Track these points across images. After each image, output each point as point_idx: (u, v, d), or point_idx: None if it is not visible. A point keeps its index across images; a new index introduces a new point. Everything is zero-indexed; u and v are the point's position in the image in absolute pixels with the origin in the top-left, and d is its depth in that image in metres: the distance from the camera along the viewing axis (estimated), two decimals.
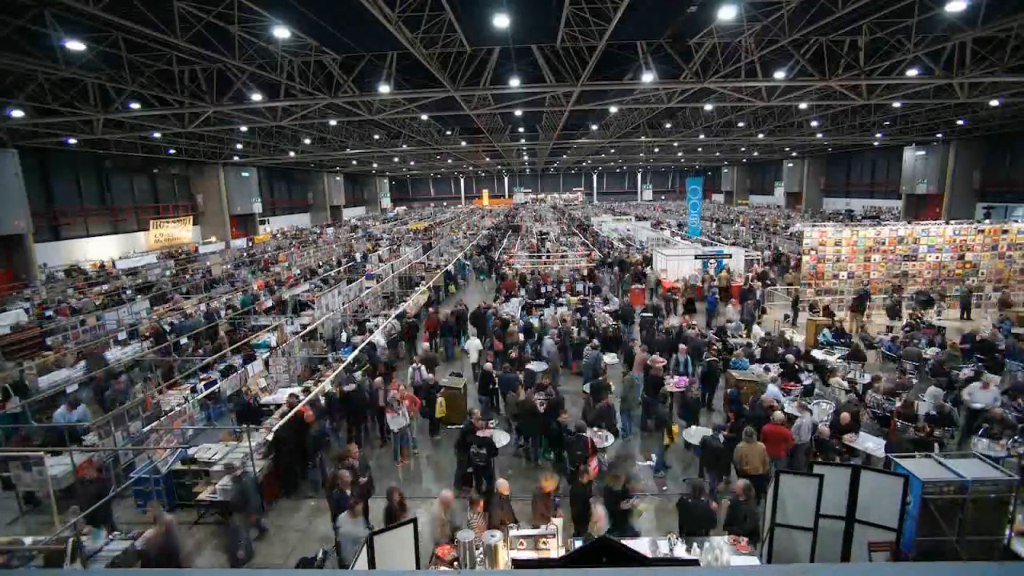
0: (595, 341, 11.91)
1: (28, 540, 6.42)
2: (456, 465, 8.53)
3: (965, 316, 16.51)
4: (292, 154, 35.64)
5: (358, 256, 30.00)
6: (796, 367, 10.85)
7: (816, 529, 5.92)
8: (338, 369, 11.09)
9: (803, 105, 23.80)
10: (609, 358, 11.93)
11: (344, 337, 14.35)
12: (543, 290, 18.67)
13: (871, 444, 8.22)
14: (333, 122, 24.58)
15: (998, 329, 13.05)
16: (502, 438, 8.89)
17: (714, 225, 41.93)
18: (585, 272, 21.30)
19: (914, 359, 11.69)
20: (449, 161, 51.63)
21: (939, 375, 10.71)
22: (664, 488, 8.39)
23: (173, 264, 30.04)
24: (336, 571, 6.44)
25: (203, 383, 11.47)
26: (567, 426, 8.59)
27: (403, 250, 30.94)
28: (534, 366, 11.55)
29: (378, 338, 13.56)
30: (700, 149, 47.56)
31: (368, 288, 19.82)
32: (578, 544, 5.72)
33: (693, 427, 9.11)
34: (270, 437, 8.51)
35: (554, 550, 5.75)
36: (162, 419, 9.49)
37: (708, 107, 24.24)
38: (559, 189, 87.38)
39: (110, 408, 10.47)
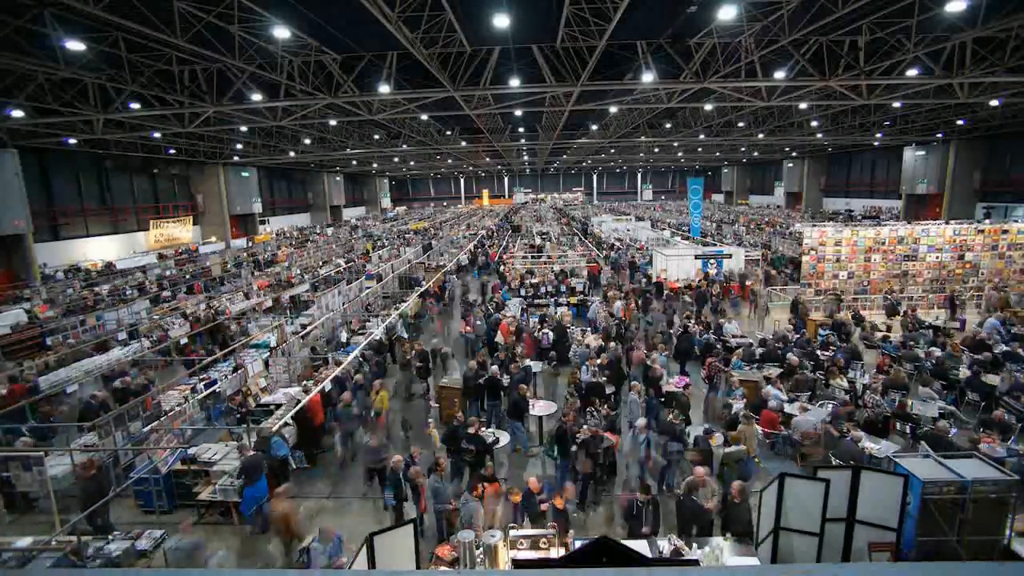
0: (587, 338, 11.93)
1: (28, 541, 6.44)
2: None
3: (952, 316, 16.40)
4: (292, 154, 35.64)
5: (356, 257, 30.00)
6: (797, 368, 10.86)
7: (822, 535, 5.91)
8: (334, 372, 11.09)
9: (803, 105, 23.79)
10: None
11: (344, 337, 14.35)
12: (542, 290, 18.69)
13: (869, 445, 8.22)
14: (333, 122, 24.57)
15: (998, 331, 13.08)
16: (501, 438, 8.90)
17: (714, 225, 41.92)
18: (585, 272, 21.33)
19: (914, 360, 11.69)
20: (449, 161, 51.62)
21: (939, 376, 10.73)
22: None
23: (173, 264, 30.06)
24: (336, 571, 6.43)
25: (203, 383, 11.47)
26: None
27: (402, 251, 30.96)
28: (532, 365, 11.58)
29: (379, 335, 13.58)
30: (700, 149, 47.55)
31: (368, 288, 19.83)
32: (578, 544, 5.72)
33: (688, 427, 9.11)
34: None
35: (554, 550, 5.76)
36: (162, 419, 9.50)
37: (708, 107, 24.23)
38: (559, 189, 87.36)
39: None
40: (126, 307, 18.53)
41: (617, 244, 30.27)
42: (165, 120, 20.62)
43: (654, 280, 20.09)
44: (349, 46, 15.35)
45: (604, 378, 10.49)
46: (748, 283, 18.86)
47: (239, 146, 32.34)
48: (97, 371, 12.78)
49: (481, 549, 5.53)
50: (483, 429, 8.66)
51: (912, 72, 16.10)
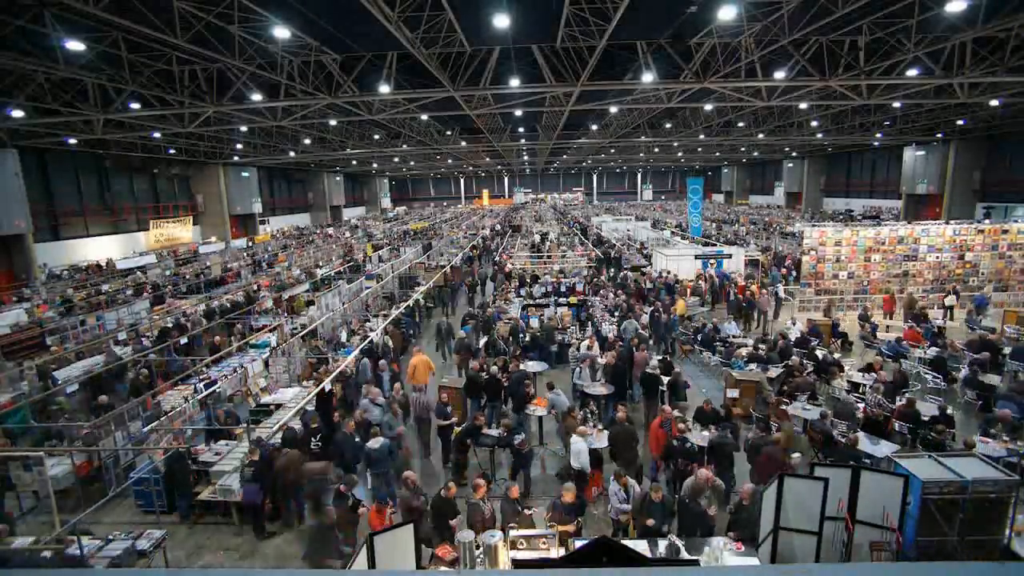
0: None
1: (28, 540, 6.44)
2: (454, 467, 8.61)
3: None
4: (292, 154, 35.65)
5: (359, 256, 30.00)
6: (799, 368, 10.85)
7: (820, 533, 5.90)
8: (335, 371, 11.08)
9: (803, 105, 23.79)
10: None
11: (344, 336, 14.35)
12: (542, 290, 18.68)
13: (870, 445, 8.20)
14: (333, 122, 24.58)
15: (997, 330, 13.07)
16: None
17: (714, 225, 41.92)
18: (585, 272, 21.31)
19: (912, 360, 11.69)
20: (449, 161, 51.62)
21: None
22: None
23: (172, 264, 30.06)
24: (337, 571, 6.43)
25: (203, 383, 11.46)
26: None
27: (402, 251, 30.97)
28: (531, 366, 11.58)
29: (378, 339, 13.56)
30: (700, 149, 47.56)
31: (368, 288, 19.82)
32: (578, 544, 5.71)
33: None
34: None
35: (554, 550, 5.76)
36: (162, 419, 9.50)
37: (708, 107, 24.23)
38: (559, 189, 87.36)
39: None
40: (126, 307, 18.55)
41: (619, 246, 30.23)
42: (165, 120, 20.62)
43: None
44: (349, 46, 15.35)
45: (601, 381, 10.54)
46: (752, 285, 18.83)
47: (239, 146, 32.34)
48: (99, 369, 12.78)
49: (481, 549, 5.53)
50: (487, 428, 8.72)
51: (912, 72, 16.09)
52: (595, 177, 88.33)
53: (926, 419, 8.63)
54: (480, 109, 21.34)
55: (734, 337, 13.59)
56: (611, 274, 22.39)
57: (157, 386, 11.27)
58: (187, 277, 26.09)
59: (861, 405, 9.48)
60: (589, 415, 9.18)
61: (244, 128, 24.60)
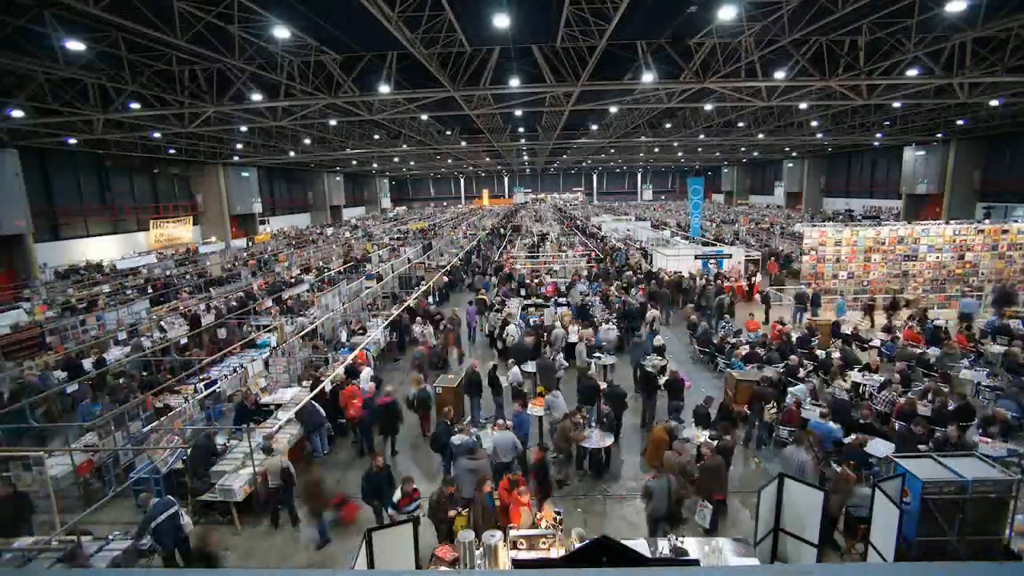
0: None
1: (28, 541, 6.43)
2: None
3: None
4: (292, 154, 35.62)
5: (358, 255, 29.99)
6: (799, 367, 10.84)
7: (821, 546, 5.92)
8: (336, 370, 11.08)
9: (803, 105, 23.79)
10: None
11: (344, 336, 14.34)
12: (543, 290, 18.68)
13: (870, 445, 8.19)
14: (333, 122, 24.56)
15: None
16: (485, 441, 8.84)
17: (713, 225, 41.88)
18: (586, 272, 21.31)
19: (908, 359, 11.66)
20: (449, 161, 51.61)
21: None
22: None
23: (172, 264, 30.05)
24: (337, 571, 6.44)
25: (203, 383, 11.46)
26: None
27: (401, 251, 30.96)
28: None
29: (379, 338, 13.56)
30: (700, 149, 47.55)
31: (368, 288, 19.82)
32: (579, 544, 5.71)
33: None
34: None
35: (554, 550, 5.76)
36: (162, 419, 9.49)
37: (708, 107, 24.22)
38: (559, 189, 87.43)
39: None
40: (126, 307, 18.54)
41: (619, 245, 30.21)
42: (165, 120, 20.61)
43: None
44: (349, 46, 15.35)
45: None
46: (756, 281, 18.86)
47: (239, 146, 32.33)
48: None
49: (481, 550, 5.53)
50: (471, 429, 8.70)
51: (912, 72, 16.09)
52: (595, 177, 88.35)
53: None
54: (480, 109, 21.33)
55: (735, 336, 13.57)
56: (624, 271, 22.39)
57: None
58: (188, 276, 26.09)
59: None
60: (582, 420, 9.15)
61: (244, 128, 24.60)
